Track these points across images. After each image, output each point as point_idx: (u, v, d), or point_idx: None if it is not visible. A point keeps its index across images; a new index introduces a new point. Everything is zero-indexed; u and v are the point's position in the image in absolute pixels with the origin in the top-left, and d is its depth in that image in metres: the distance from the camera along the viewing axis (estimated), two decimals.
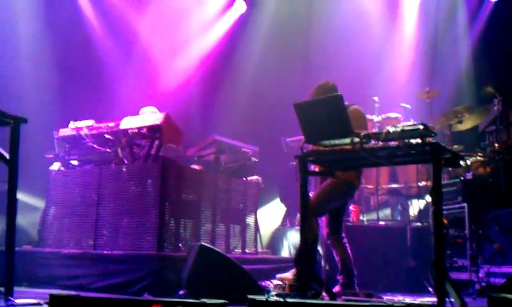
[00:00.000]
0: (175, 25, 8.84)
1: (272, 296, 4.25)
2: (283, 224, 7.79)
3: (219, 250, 4.93)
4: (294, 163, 6.37)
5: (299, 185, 3.94)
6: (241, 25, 9.22)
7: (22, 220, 4.26)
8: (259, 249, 6.70)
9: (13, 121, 4.11)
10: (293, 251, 6.71)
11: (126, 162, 5.72)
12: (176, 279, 4.76)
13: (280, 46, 9.02)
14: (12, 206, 4.13)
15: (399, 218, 7.20)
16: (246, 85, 8.60)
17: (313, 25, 9.19)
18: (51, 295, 2.53)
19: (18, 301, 3.91)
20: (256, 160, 6.81)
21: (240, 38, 9.08)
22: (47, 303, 3.83)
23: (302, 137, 4.00)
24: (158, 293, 4.62)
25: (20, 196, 4.79)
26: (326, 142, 3.85)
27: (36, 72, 8.20)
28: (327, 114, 3.78)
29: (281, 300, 2.86)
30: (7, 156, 4.12)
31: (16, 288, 3.99)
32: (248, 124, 8.19)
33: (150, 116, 5.77)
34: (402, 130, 3.47)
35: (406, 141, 3.48)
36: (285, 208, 7.87)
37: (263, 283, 4.78)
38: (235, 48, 8.95)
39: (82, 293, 2.70)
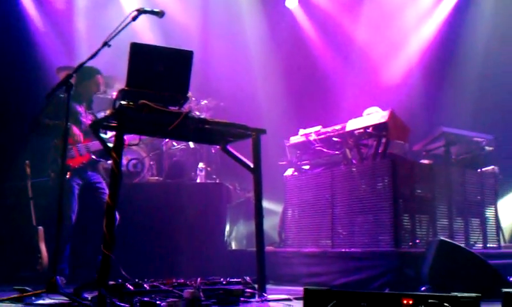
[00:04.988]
0: (390, 22, 8.74)
1: None
2: None
3: (459, 244, 4.75)
4: None
5: None
6: (462, 9, 8.68)
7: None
8: (502, 243, 6.26)
9: (254, 133, 4.52)
10: None
11: (354, 162, 5.86)
12: (416, 275, 4.71)
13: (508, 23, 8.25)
14: (259, 211, 4.51)
15: None
16: (473, 71, 8.06)
17: None
18: (305, 289, 2.73)
19: (270, 297, 4.23)
20: (491, 149, 6.39)
21: (461, 23, 8.56)
22: (296, 298, 4.14)
23: None
24: (398, 289, 4.61)
25: None
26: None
27: (266, 87, 8.89)
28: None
29: None
30: (251, 165, 4.55)
31: None
32: (479, 112, 7.66)
33: (375, 115, 5.81)
34: None
35: None
36: None
37: (510, 278, 4.48)
38: (457, 35, 8.46)
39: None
